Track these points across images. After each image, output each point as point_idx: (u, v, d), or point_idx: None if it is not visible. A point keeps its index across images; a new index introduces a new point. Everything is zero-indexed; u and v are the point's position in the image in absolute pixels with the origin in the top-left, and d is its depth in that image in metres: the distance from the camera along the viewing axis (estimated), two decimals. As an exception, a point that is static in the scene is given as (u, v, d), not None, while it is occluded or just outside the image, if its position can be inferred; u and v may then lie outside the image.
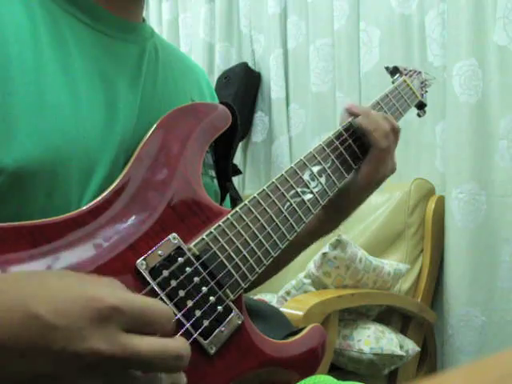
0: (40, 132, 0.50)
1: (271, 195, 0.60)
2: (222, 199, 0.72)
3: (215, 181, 0.68)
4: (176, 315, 0.48)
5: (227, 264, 0.54)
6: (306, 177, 0.64)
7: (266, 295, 1.69)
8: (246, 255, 0.55)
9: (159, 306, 0.39)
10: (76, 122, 0.53)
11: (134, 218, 0.51)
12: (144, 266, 0.48)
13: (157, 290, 0.48)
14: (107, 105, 0.57)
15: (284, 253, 0.61)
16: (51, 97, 0.52)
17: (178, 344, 0.39)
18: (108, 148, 0.56)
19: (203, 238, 0.53)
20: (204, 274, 0.52)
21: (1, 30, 0.51)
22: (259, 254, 0.57)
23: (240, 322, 0.53)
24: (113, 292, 0.37)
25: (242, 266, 0.55)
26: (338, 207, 0.74)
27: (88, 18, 0.59)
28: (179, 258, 0.50)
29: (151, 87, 0.63)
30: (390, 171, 0.73)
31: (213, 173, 0.68)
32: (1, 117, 0.48)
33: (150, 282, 0.48)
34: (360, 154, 0.72)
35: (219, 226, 0.55)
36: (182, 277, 0.50)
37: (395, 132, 0.73)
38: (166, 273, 0.49)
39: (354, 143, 0.71)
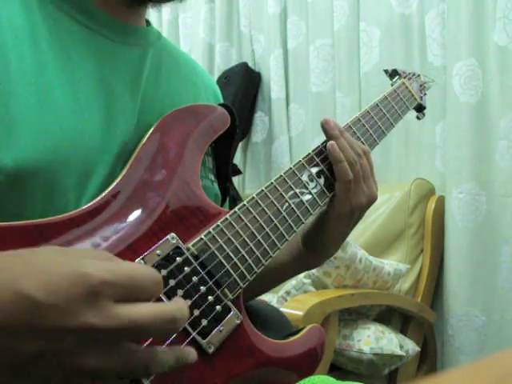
0: (39, 133, 0.50)
1: (270, 196, 0.60)
2: (223, 201, 0.72)
3: (215, 184, 0.68)
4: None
5: (226, 264, 0.54)
6: (304, 178, 0.64)
7: (266, 295, 1.69)
8: (245, 255, 0.55)
9: (146, 271, 0.39)
10: (75, 123, 0.53)
11: (132, 218, 0.51)
12: (142, 266, 0.48)
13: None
14: (106, 107, 0.57)
15: (260, 282, 0.60)
16: (51, 98, 0.52)
17: (171, 307, 0.39)
18: (107, 150, 0.56)
19: (202, 238, 0.53)
20: (202, 273, 0.51)
21: (0, 33, 0.51)
22: (258, 254, 0.57)
23: (239, 322, 0.53)
24: (100, 265, 0.37)
25: (240, 265, 0.55)
26: (317, 241, 0.70)
27: (88, 21, 0.59)
28: (178, 258, 0.50)
29: (153, 90, 0.63)
30: (367, 200, 0.67)
31: (213, 176, 0.68)
32: (1, 118, 0.49)
33: (149, 281, 0.48)
34: (333, 179, 0.67)
35: (218, 226, 0.55)
36: (180, 276, 0.50)
37: (367, 156, 0.68)
38: (164, 272, 0.49)
39: (327, 169, 0.68)
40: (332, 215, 0.67)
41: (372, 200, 0.68)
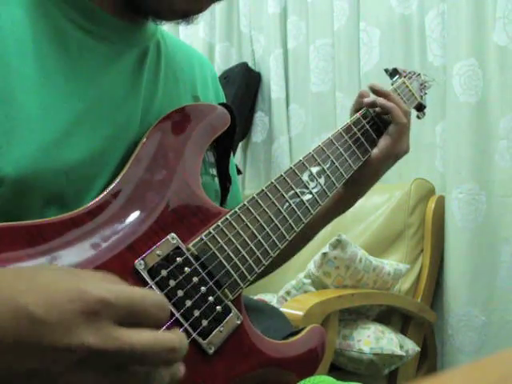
0: (41, 141, 0.50)
1: (270, 196, 0.60)
2: (223, 200, 0.72)
3: (216, 179, 0.68)
4: (175, 315, 0.48)
5: (226, 264, 0.54)
6: (305, 177, 0.64)
7: (266, 295, 1.69)
8: (245, 255, 0.55)
9: (151, 295, 0.39)
10: (78, 132, 0.53)
11: (132, 218, 0.51)
12: (142, 266, 0.48)
13: (155, 289, 0.48)
14: (109, 112, 0.57)
15: (296, 238, 0.62)
16: (52, 107, 0.52)
17: (172, 336, 0.38)
18: (112, 153, 0.56)
19: (202, 238, 0.53)
20: (203, 274, 0.51)
21: (2, 40, 0.51)
22: (258, 254, 0.57)
23: (239, 322, 0.53)
24: (102, 285, 0.36)
25: (240, 266, 0.55)
26: (357, 181, 0.77)
27: (90, 24, 0.58)
28: (178, 258, 0.50)
29: (152, 89, 0.63)
30: (404, 151, 0.78)
31: (214, 171, 0.68)
32: (2, 126, 0.48)
33: (149, 281, 0.48)
34: (376, 136, 0.77)
35: (218, 226, 0.54)
36: (180, 277, 0.50)
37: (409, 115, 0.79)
38: (164, 273, 0.49)
39: (370, 128, 0.77)
40: (378, 156, 0.75)
41: (406, 153, 0.79)
